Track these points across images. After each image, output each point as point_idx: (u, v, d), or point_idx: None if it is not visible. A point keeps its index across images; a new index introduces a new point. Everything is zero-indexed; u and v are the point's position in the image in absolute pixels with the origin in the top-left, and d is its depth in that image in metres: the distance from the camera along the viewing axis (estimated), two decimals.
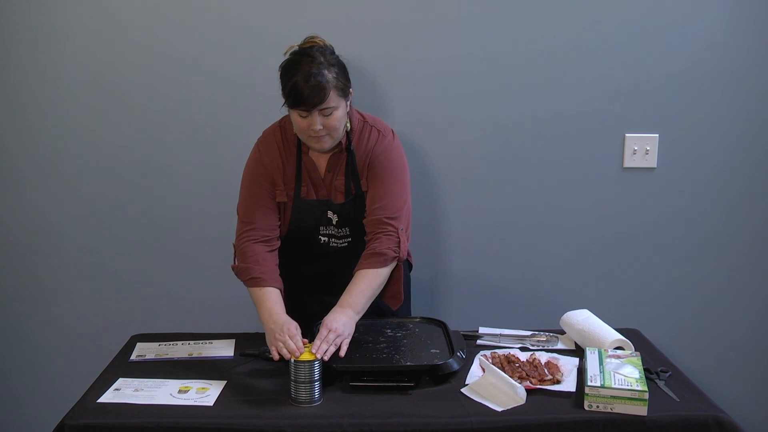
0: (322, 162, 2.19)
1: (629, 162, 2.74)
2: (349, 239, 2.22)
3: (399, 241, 2.12)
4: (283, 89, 2.04)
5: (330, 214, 2.18)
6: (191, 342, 2.19)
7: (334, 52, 2.09)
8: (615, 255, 2.82)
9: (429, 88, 2.65)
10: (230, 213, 2.76)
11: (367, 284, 2.07)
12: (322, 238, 2.21)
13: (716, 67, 2.69)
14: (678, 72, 2.69)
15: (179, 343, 2.19)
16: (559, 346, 2.16)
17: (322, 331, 1.93)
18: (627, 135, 2.73)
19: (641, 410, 1.73)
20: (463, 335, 2.16)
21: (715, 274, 2.84)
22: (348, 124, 2.14)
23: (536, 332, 2.19)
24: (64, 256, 2.78)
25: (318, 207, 2.18)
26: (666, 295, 2.85)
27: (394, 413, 1.74)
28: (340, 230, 2.21)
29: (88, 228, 2.76)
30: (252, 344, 2.10)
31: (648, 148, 2.73)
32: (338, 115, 2.05)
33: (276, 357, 1.89)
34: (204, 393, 1.85)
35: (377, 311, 2.26)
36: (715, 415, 1.75)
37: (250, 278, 2.10)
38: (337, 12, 2.62)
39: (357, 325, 2.07)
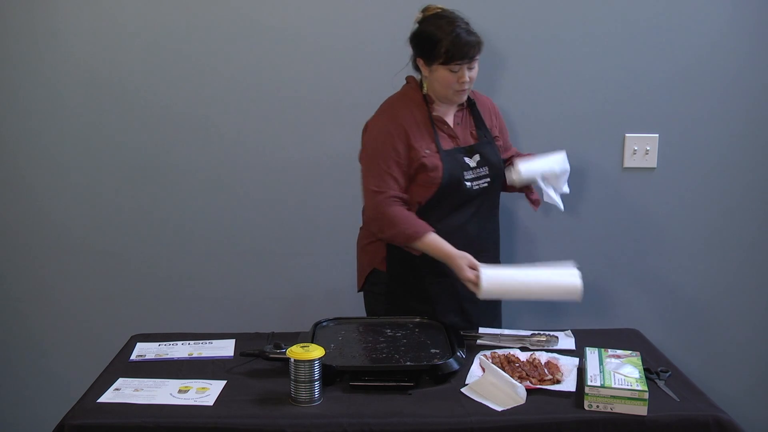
0: (449, 117, 2.33)
1: (629, 162, 2.75)
2: (488, 179, 2.32)
3: None
4: (431, 49, 2.18)
5: (468, 159, 2.29)
6: (191, 342, 2.19)
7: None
8: (614, 255, 2.82)
9: None
10: (231, 213, 2.77)
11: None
12: (467, 183, 2.28)
13: (716, 67, 2.69)
14: (678, 72, 2.69)
15: (179, 343, 2.19)
16: (559, 346, 2.16)
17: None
18: (627, 135, 2.73)
19: (641, 410, 1.73)
20: (463, 335, 2.16)
21: (715, 274, 2.84)
22: None
23: (536, 332, 2.19)
24: (64, 256, 2.78)
25: (459, 153, 2.29)
26: (666, 295, 2.85)
27: (394, 413, 1.74)
28: (480, 170, 2.30)
29: (88, 228, 2.76)
30: (252, 344, 2.10)
31: (648, 148, 2.73)
32: (477, 67, 2.23)
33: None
34: (204, 393, 1.85)
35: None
36: (715, 415, 1.75)
37: (407, 236, 2.20)
38: (336, 12, 2.62)
39: (357, 325, 2.11)
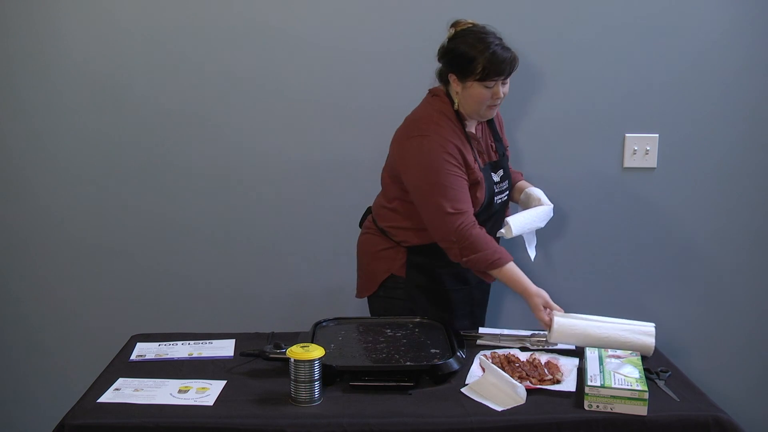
0: (476, 133, 2.32)
1: (629, 162, 2.75)
2: (507, 193, 2.37)
3: None
4: (470, 63, 2.13)
5: (494, 174, 2.31)
6: (191, 342, 2.19)
7: None
8: (614, 255, 2.82)
9: None
10: (231, 213, 2.77)
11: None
12: (496, 198, 2.32)
13: (716, 67, 2.69)
14: (678, 72, 2.69)
15: (179, 343, 2.19)
16: (559, 346, 2.16)
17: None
18: (627, 135, 2.73)
19: (641, 410, 1.73)
20: (463, 335, 2.16)
21: (715, 274, 2.84)
22: None
23: (536, 332, 2.19)
24: (65, 256, 2.78)
25: (489, 169, 2.30)
26: (666, 295, 2.85)
27: (394, 413, 1.74)
28: (502, 184, 2.34)
29: (88, 228, 2.76)
30: (252, 344, 2.10)
31: (648, 148, 2.73)
32: (509, 82, 2.21)
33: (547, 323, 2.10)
34: (204, 393, 1.84)
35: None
36: (715, 415, 1.75)
37: (490, 263, 2.18)
38: (339, 13, 2.63)
39: (357, 325, 2.14)
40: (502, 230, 2.28)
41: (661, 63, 2.68)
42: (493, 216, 2.33)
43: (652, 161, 2.75)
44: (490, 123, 2.35)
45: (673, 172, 2.76)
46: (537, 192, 2.38)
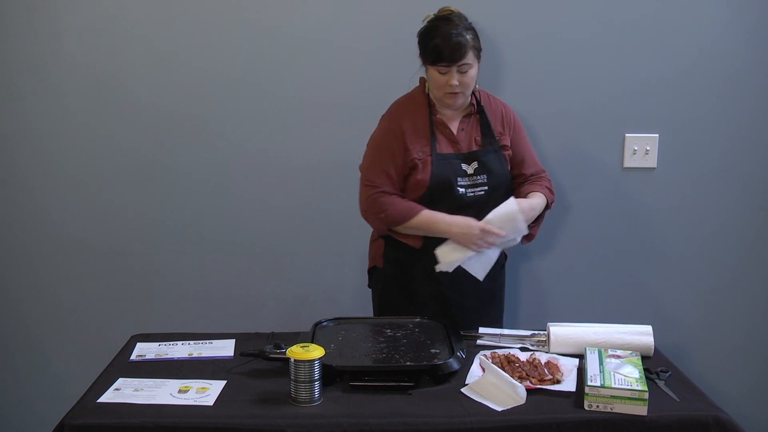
0: (453, 123, 2.33)
1: (629, 162, 2.75)
2: (486, 188, 2.30)
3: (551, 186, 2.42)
4: (424, 48, 2.22)
5: (465, 166, 2.29)
6: (191, 342, 2.19)
7: (468, 20, 2.26)
8: (615, 255, 2.82)
9: None
10: (231, 213, 2.77)
11: (537, 200, 2.31)
12: (460, 189, 2.28)
13: (716, 67, 2.69)
14: (678, 72, 2.69)
15: (179, 343, 2.19)
16: None
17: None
18: (627, 135, 2.73)
19: (641, 410, 1.73)
20: (463, 335, 2.16)
21: (715, 274, 2.84)
22: (476, 86, 2.31)
23: (536, 332, 2.19)
24: (64, 256, 2.78)
25: (454, 159, 2.29)
26: (665, 295, 2.85)
27: (394, 413, 1.74)
28: (477, 177, 2.30)
29: (88, 228, 2.76)
30: (252, 344, 2.10)
31: (648, 148, 2.73)
32: (472, 74, 2.22)
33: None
34: (204, 393, 1.84)
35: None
36: (715, 415, 1.75)
37: (400, 213, 2.23)
38: (338, 13, 2.63)
39: (357, 325, 2.14)
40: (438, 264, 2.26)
41: (662, 63, 2.68)
42: (466, 208, 2.28)
43: (652, 161, 2.75)
44: (482, 116, 2.33)
45: (673, 172, 2.76)
46: (518, 209, 2.26)
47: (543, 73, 2.68)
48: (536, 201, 2.31)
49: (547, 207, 2.37)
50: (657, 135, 2.74)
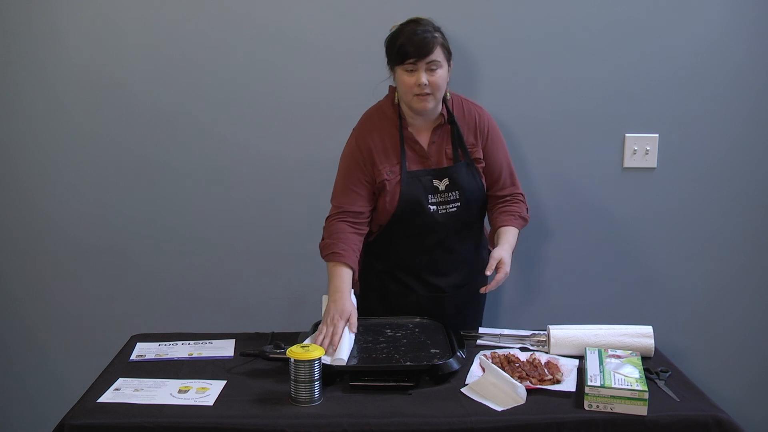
0: (424, 136, 2.26)
1: (629, 162, 2.74)
2: (458, 204, 2.25)
3: (527, 207, 2.36)
4: (389, 50, 2.17)
5: (436, 182, 2.23)
6: (191, 342, 2.19)
7: (436, 24, 2.20)
8: (615, 255, 2.82)
9: None
10: (231, 213, 2.77)
11: (513, 238, 2.26)
12: (431, 207, 2.23)
13: (716, 67, 2.69)
14: (678, 72, 2.69)
15: (179, 343, 2.19)
16: None
17: (492, 263, 2.13)
18: (627, 135, 2.73)
19: (641, 410, 1.73)
20: (463, 335, 2.16)
21: (715, 274, 2.84)
22: (448, 93, 2.24)
23: (536, 332, 2.19)
24: (64, 255, 2.78)
25: (425, 176, 2.23)
26: (665, 295, 2.85)
27: (394, 413, 1.74)
28: (449, 194, 2.24)
29: (88, 228, 2.76)
30: (252, 344, 2.10)
31: (648, 148, 2.73)
32: (442, 73, 2.15)
33: (318, 343, 1.97)
34: (204, 393, 1.85)
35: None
36: (715, 415, 1.75)
37: (329, 252, 2.18)
38: (334, 13, 2.63)
39: (357, 325, 2.11)
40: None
41: (662, 63, 2.68)
42: (437, 226, 2.24)
43: (652, 161, 2.75)
44: (454, 127, 2.25)
45: (673, 172, 2.76)
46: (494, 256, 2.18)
47: (543, 73, 2.68)
48: (507, 254, 2.20)
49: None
50: (657, 135, 2.73)
